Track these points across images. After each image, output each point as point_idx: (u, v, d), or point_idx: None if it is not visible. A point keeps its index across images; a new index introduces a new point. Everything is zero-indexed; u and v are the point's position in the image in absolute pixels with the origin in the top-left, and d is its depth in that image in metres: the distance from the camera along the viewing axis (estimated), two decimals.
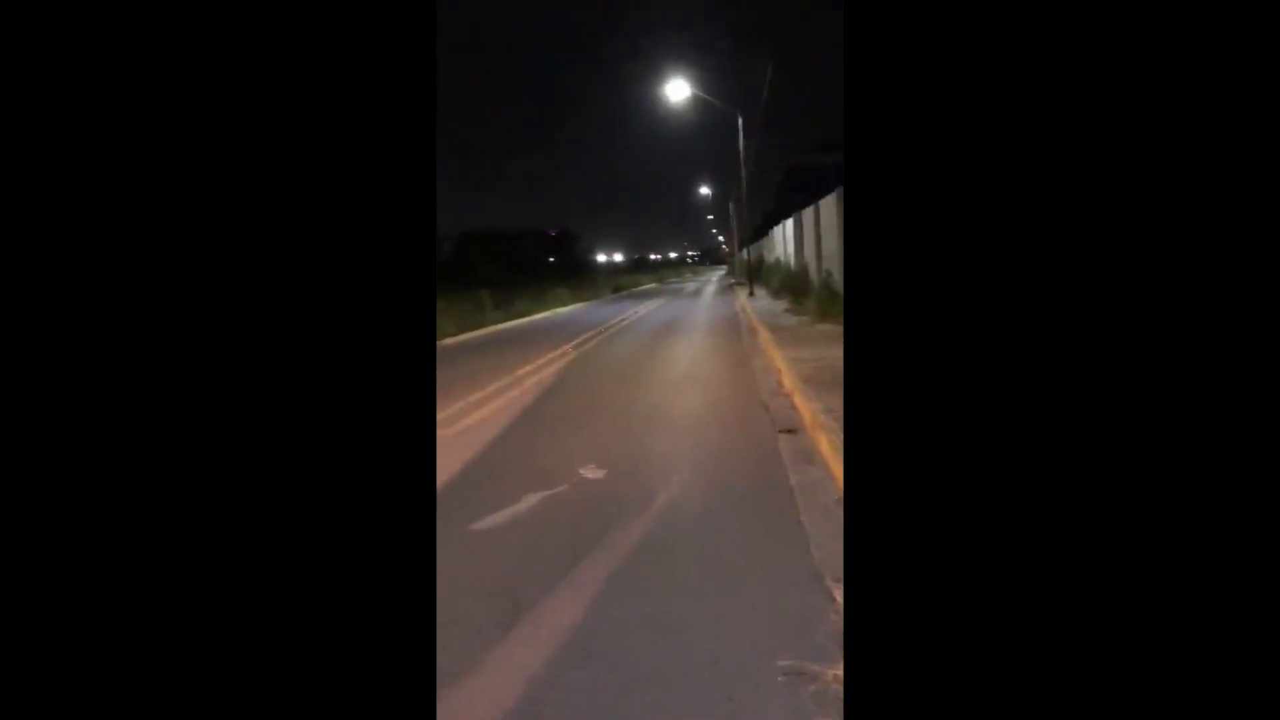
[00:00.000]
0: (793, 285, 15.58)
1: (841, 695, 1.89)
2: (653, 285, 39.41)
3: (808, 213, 15.25)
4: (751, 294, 19.61)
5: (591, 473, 4.06)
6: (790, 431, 4.67)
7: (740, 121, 19.49)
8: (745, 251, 25.62)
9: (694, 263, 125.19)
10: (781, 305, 14.17)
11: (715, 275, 53.28)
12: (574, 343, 10.93)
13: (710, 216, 76.68)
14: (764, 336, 9.39)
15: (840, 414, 4.55)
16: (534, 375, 7.80)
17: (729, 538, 3.02)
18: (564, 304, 21.92)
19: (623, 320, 15.06)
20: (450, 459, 4.44)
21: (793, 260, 18.50)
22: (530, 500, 3.63)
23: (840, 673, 1.97)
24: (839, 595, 2.41)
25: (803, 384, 5.67)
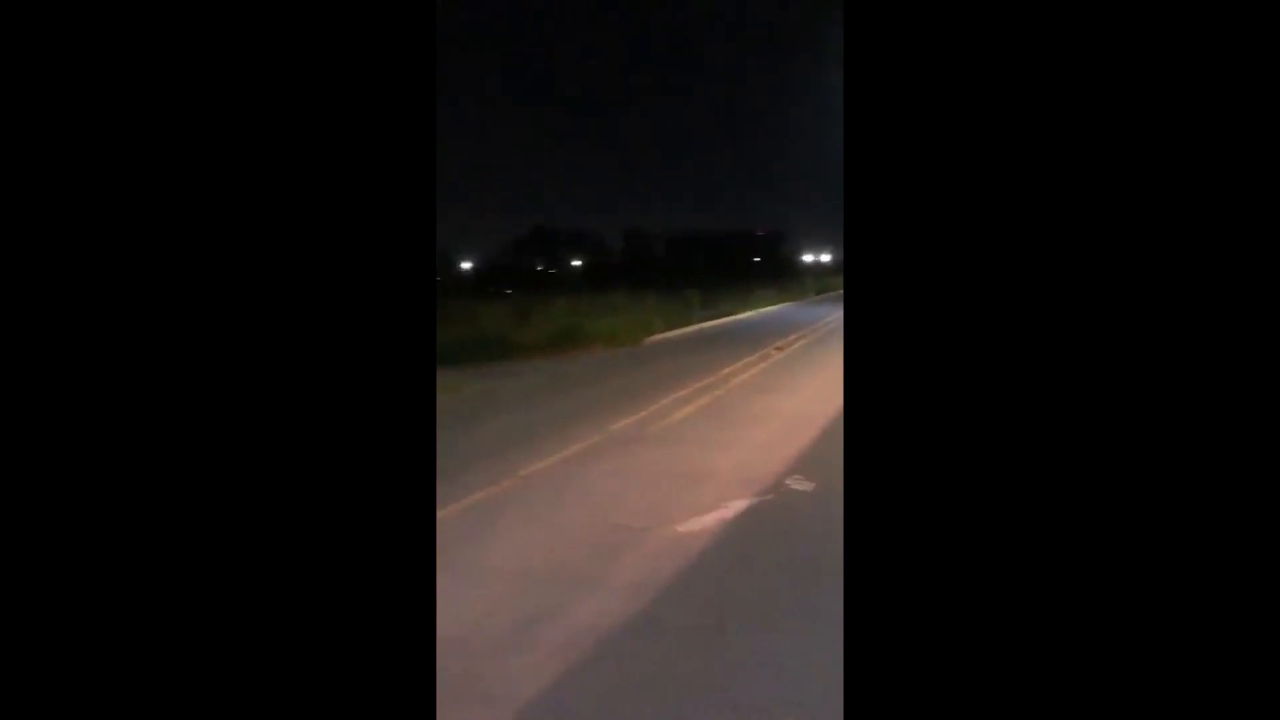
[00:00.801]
0: None
1: None
2: None
3: None
4: None
5: (799, 484, 3.85)
6: None
7: None
8: None
9: None
10: None
11: None
12: (779, 343, 10.65)
13: None
14: None
15: None
16: (739, 375, 7.69)
17: None
18: (769, 304, 21.58)
19: (830, 322, 14.42)
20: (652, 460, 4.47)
21: None
22: (736, 506, 3.51)
23: None
24: None
25: None
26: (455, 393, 6.97)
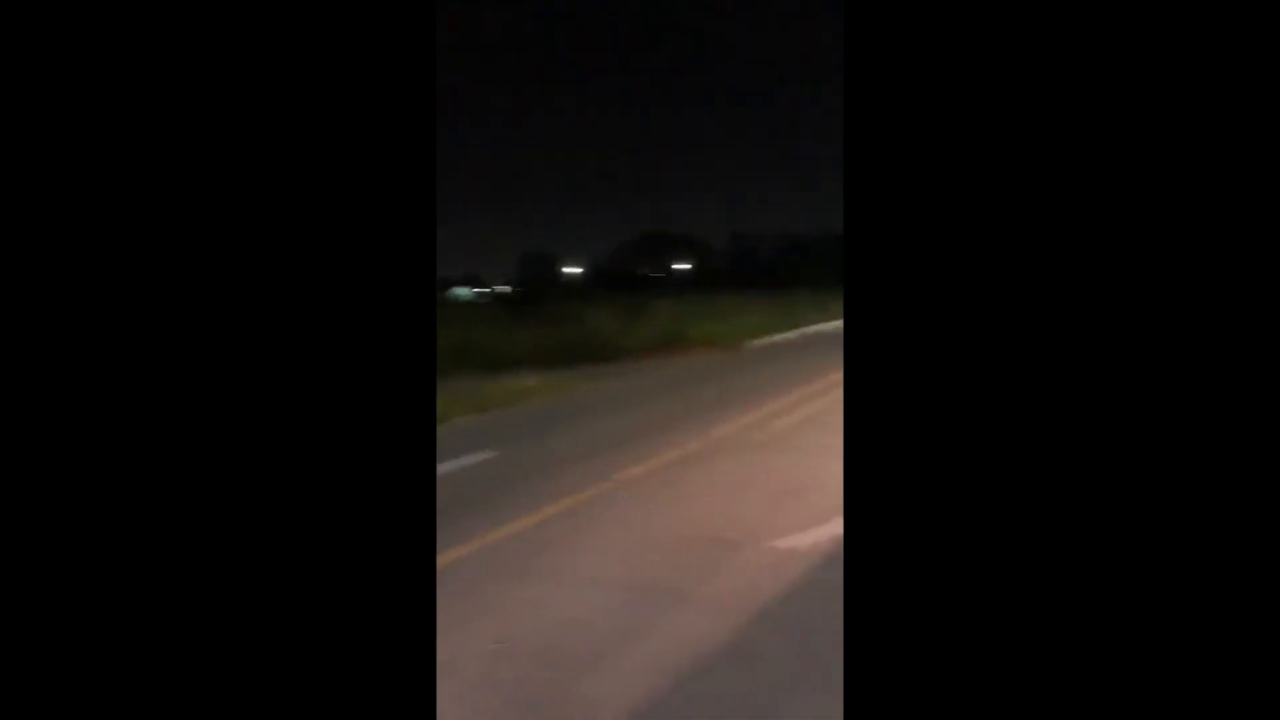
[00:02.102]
0: None
1: None
2: None
3: None
4: None
5: None
6: None
7: None
8: None
9: None
10: None
11: None
12: None
13: None
14: None
15: None
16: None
17: None
18: None
19: None
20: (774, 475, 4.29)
21: None
22: (841, 519, 3.29)
23: None
24: None
25: None
26: (564, 393, 7.05)
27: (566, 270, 46.28)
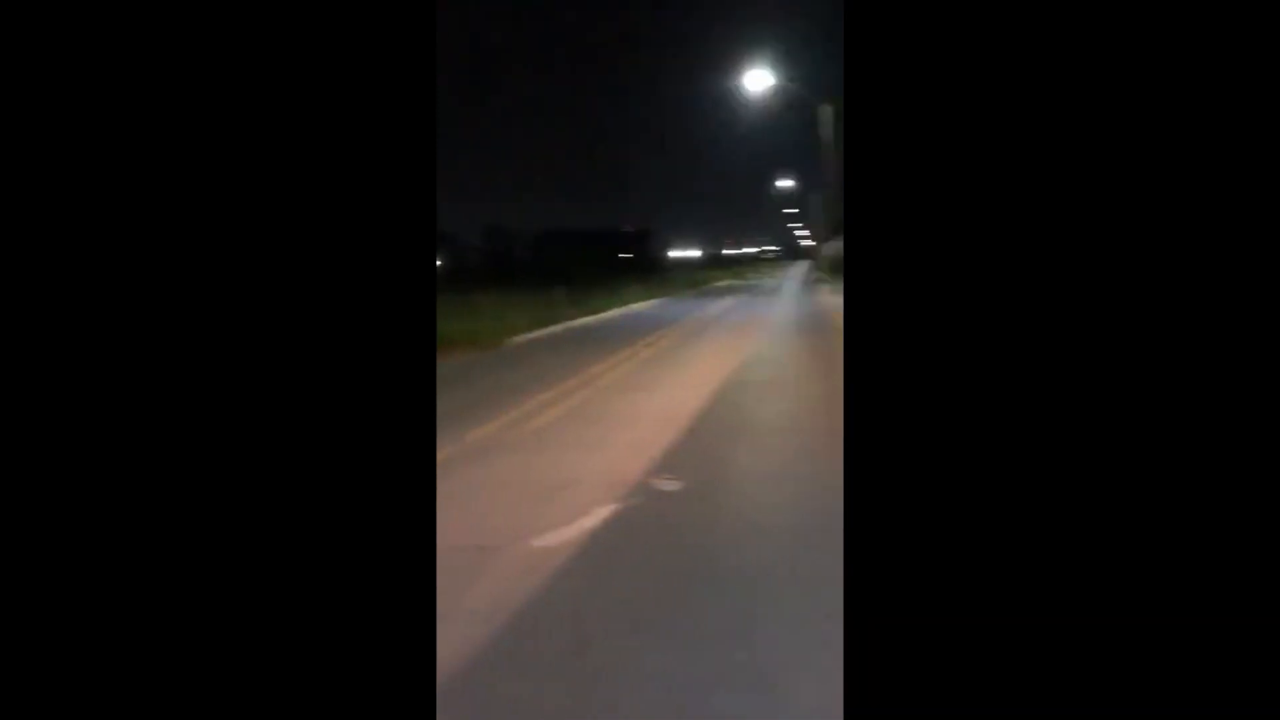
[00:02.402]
0: None
1: None
2: (730, 282, 38.71)
3: None
4: (835, 291, 18.82)
5: (667, 484, 3.69)
6: None
7: (830, 110, 18.69)
8: (831, 246, 24.74)
9: (774, 258, 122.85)
10: None
11: (796, 270, 51.66)
12: (647, 340, 10.61)
13: (792, 210, 74.83)
14: None
15: None
16: (606, 375, 7.51)
17: (826, 562, 2.58)
18: (638, 300, 21.67)
19: (698, 317, 14.65)
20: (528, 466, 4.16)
21: None
22: (602, 513, 3.28)
23: None
24: None
25: None
26: None
27: None
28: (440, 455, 4.45)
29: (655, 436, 4.68)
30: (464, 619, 2.35)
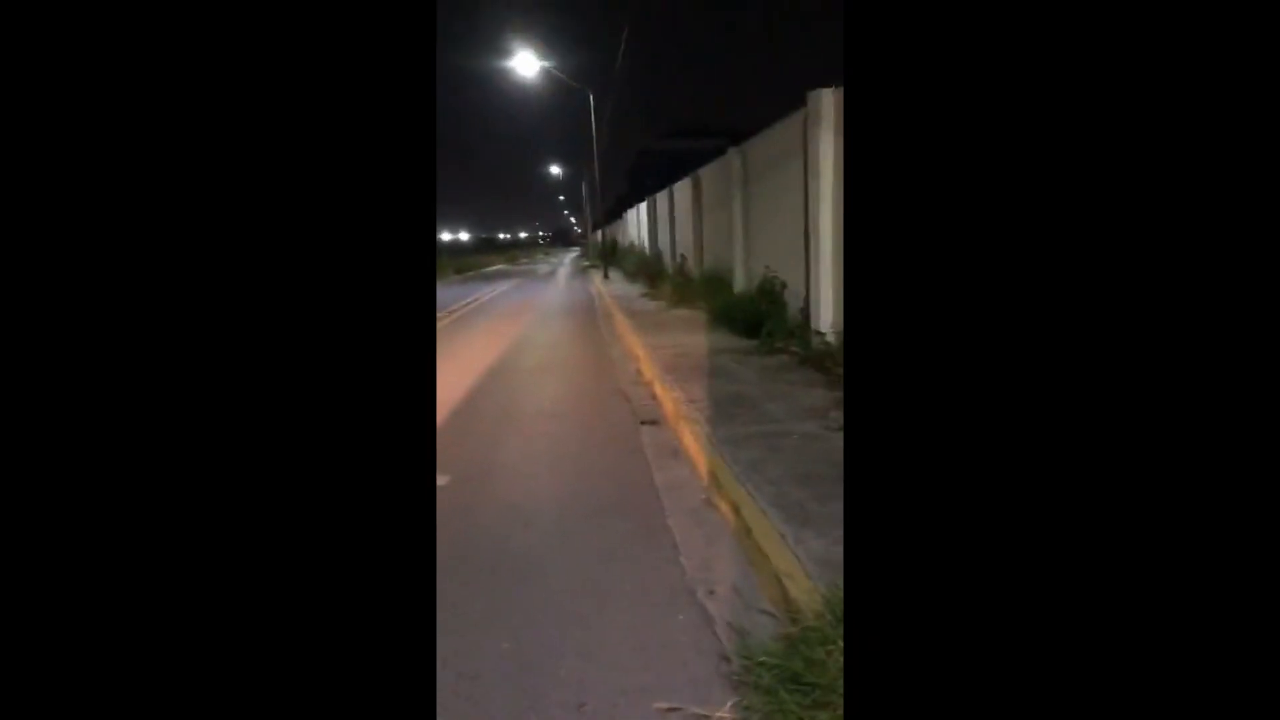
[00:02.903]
0: (648, 269, 15.60)
1: None
2: (502, 266, 38.19)
3: (661, 197, 15.29)
4: (606, 277, 19.49)
5: (436, 478, 3.62)
6: (652, 423, 4.48)
7: (592, 100, 19.17)
8: (599, 234, 25.48)
9: (545, 244, 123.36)
10: (637, 289, 14.13)
11: (568, 257, 52.49)
12: None
13: (561, 197, 75.66)
14: (621, 322, 9.22)
15: (703, 404, 4.43)
16: None
17: (592, 549, 2.74)
18: None
19: (470, 303, 14.33)
20: None
21: (647, 244, 18.56)
22: None
23: (723, 716, 1.76)
24: (716, 612, 2.21)
25: (663, 372, 5.53)
26: None
27: None
28: None
29: None
30: None
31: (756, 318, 6.81)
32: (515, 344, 8.27)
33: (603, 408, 5.00)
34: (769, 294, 7.05)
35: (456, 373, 6.56)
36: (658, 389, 5.20)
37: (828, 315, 5.80)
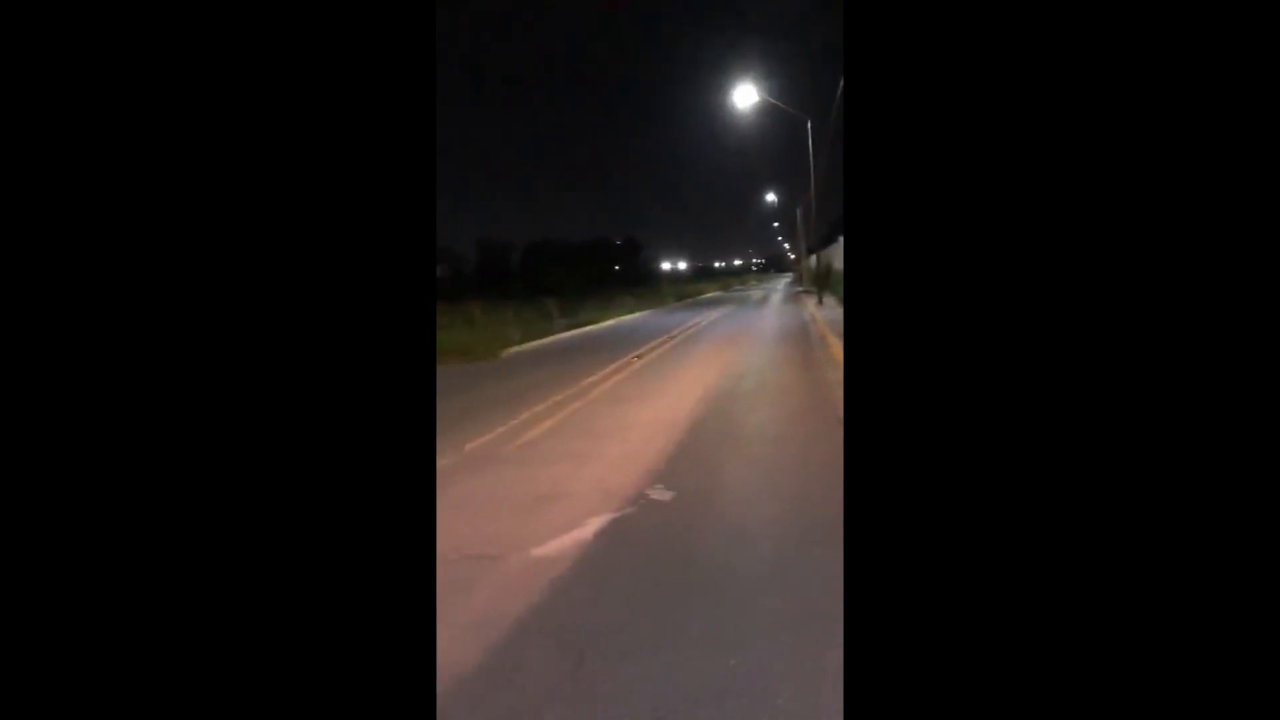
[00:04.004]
0: None
1: None
2: (717, 293, 38.94)
3: None
4: (820, 302, 19.02)
5: (659, 494, 3.80)
6: None
7: (810, 127, 18.98)
8: (814, 259, 24.94)
9: (759, 270, 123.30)
10: None
11: (781, 283, 52.12)
12: (638, 352, 10.72)
13: (776, 224, 75.35)
14: (835, 347, 8.94)
15: None
16: (598, 386, 7.62)
17: (816, 577, 2.70)
18: (628, 311, 21.79)
19: (687, 329, 14.78)
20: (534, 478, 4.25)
21: None
22: (595, 524, 3.39)
23: None
24: None
25: None
26: None
27: None
28: (440, 464, 4.54)
29: (644, 447, 4.80)
30: (465, 626, 2.45)
31: None
32: (732, 369, 8.39)
33: (819, 433, 4.90)
34: None
35: (677, 395, 6.82)
36: None
37: None
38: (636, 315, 21.20)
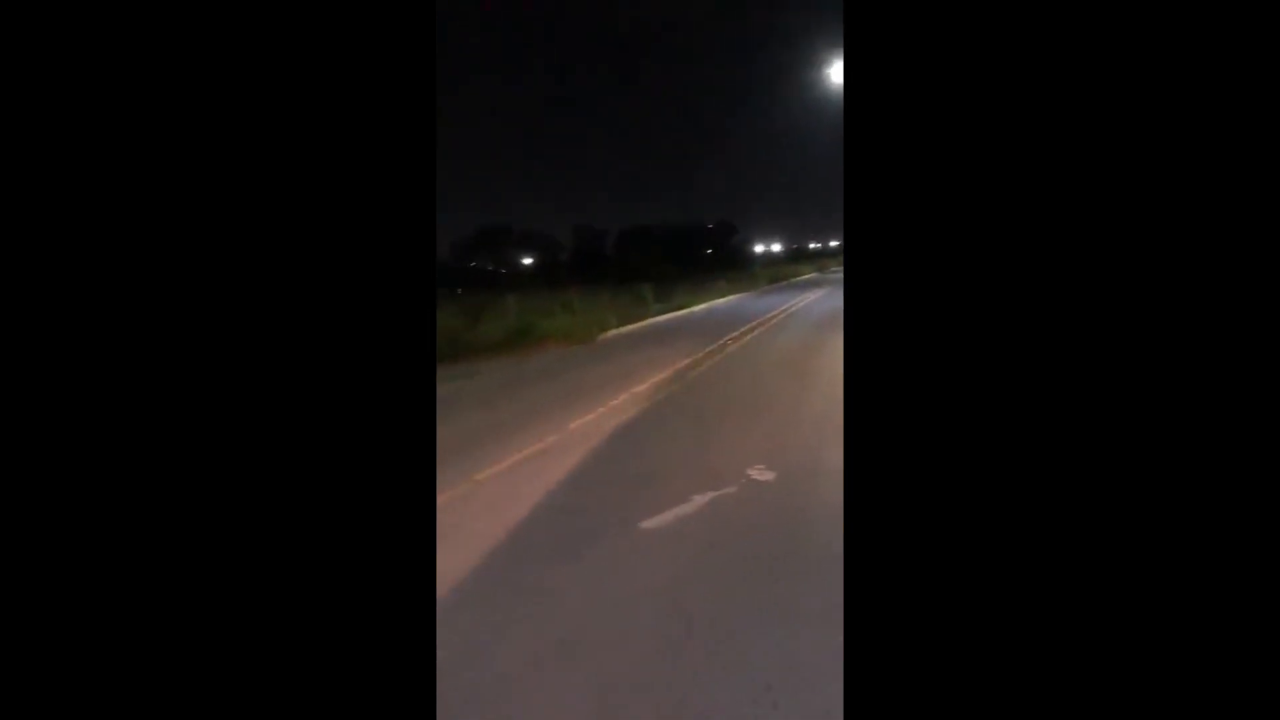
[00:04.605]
0: None
1: None
2: (813, 275, 38.00)
3: None
4: None
5: (760, 474, 3.86)
6: None
7: None
8: None
9: None
10: None
11: None
12: (730, 335, 10.72)
13: None
14: None
15: None
16: (695, 369, 7.70)
17: None
18: (722, 295, 21.70)
19: (782, 312, 14.58)
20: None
21: None
22: (699, 500, 3.50)
23: None
24: None
25: None
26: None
27: None
28: (546, 443, 4.78)
29: (744, 432, 4.85)
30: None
31: None
32: (827, 353, 8.26)
33: None
34: None
35: (774, 379, 6.80)
36: None
37: None
38: (731, 298, 21.06)
